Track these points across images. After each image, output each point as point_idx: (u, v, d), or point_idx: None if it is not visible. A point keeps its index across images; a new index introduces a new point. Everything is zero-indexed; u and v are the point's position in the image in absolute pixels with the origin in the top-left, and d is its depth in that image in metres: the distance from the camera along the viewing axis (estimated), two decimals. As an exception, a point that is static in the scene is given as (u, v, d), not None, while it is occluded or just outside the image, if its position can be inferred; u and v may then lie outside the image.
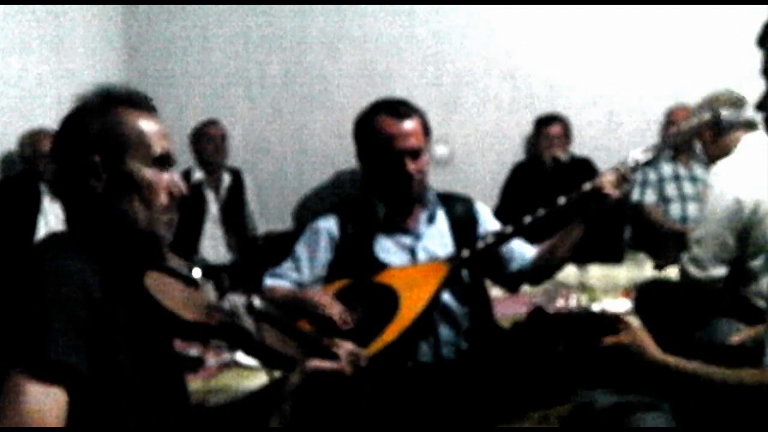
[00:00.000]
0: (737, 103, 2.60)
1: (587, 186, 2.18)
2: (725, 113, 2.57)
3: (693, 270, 2.47)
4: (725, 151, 2.54)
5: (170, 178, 1.33)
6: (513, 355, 2.13)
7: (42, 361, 1.08)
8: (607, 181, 2.15)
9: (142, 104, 1.35)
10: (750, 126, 2.56)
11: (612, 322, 1.43)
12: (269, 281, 2.28)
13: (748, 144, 2.51)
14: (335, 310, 2.09)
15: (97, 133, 1.29)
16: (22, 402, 1.06)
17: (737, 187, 2.41)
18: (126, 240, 1.29)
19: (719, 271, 2.45)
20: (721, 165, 2.51)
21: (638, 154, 2.23)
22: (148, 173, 1.30)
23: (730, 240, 2.42)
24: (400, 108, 2.21)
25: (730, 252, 2.44)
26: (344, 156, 5.15)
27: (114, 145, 1.29)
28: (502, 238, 2.22)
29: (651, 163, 2.41)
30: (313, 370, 1.37)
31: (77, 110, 1.34)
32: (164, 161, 1.33)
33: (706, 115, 2.56)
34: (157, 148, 1.32)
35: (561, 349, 1.57)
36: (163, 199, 1.31)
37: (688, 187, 4.32)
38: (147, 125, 1.32)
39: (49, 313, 1.11)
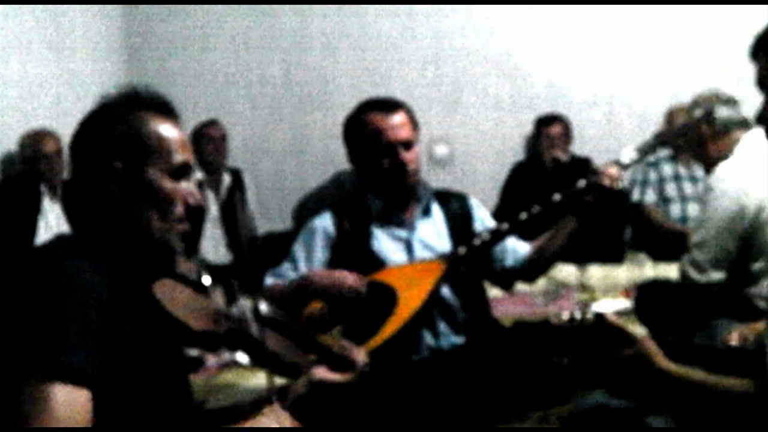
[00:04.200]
0: (730, 101, 2.59)
1: (582, 183, 2.21)
2: (722, 112, 2.55)
3: (693, 273, 2.47)
4: (725, 153, 2.52)
5: (187, 188, 1.32)
6: (514, 356, 2.13)
7: (60, 366, 1.07)
8: (608, 173, 2.18)
9: (167, 110, 1.34)
10: (746, 125, 2.54)
11: (618, 333, 1.42)
12: (269, 280, 2.28)
13: (747, 144, 2.50)
14: (343, 274, 2.12)
15: (120, 137, 1.28)
16: (50, 408, 1.05)
17: (739, 191, 2.39)
18: (138, 247, 1.29)
19: (719, 274, 2.45)
20: (722, 167, 2.50)
21: (631, 152, 2.27)
22: (167, 183, 1.29)
23: (732, 244, 2.41)
24: (386, 103, 2.27)
25: (730, 256, 2.44)
26: (344, 156, 5.13)
27: (136, 152, 1.28)
28: (498, 235, 2.24)
29: (642, 160, 2.40)
30: (318, 380, 1.36)
31: (101, 110, 1.33)
32: (183, 171, 1.32)
33: (698, 112, 2.56)
34: (178, 157, 1.31)
35: (565, 362, 1.57)
36: (179, 209, 1.31)
37: (688, 187, 4.31)
38: (170, 133, 1.31)
39: (63, 316, 1.10)
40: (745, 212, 2.38)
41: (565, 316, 1.42)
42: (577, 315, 1.41)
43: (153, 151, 1.29)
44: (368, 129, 2.22)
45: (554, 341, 1.45)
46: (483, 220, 2.37)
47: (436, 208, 2.34)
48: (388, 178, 2.22)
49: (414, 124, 2.26)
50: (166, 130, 1.31)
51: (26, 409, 1.06)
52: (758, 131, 2.47)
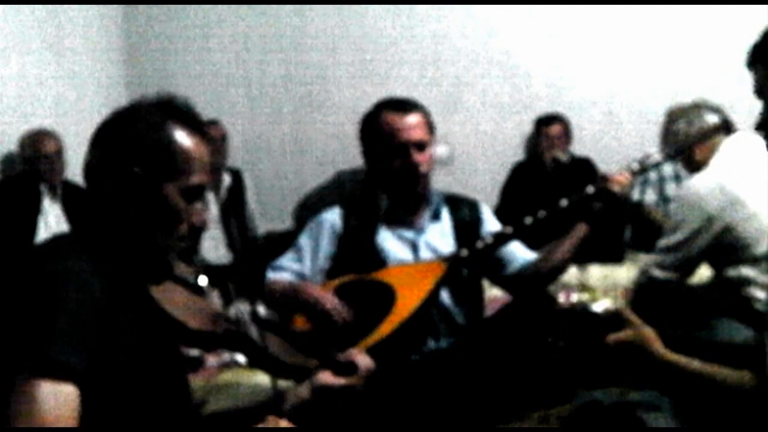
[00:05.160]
0: (716, 108, 2.69)
1: (590, 188, 2.19)
2: (708, 119, 2.65)
3: (657, 273, 2.58)
4: (707, 156, 2.59)
5: (196, 209, 1.32)
6: (508, 340, 2.12)
7: (47, 362, 1.08)
8: (618, 180, 2.18)
9: (197, 126, 1.33)
10: (729, 130, 2.62)
11: (616, 317, 1.42)
12: (271, 274, 2.28)
13: (723, 151, 2.56)
14: (332, 305, 2.10)
15: (147, 145, 1.26)
16: (36, 403, 1.06)
17: (706, 201, 2.47)
18: (137, 253, 1.29)
19: (680, 275, 2.59)
20: (694, 177, 2.60)
21: (650, 159, 2.31)
22: (180, 203, 1.28)
23: (697, 251, 2.51)
24: (403, 103, 2.27)
25: (695, 261, 2.56)
26: (344, 156, 5.16)
27: (159, 164, 1.26)
28: (501, 238, 2.22)
29: (657, 166, 2.50)
30: (322, 385, 1.36)
31: (134, 111, 1.31)
32: (198, 193, 1.32)
33: (714, 119, 2.64)
34: (196, 179, 1.30)
35: (562, 345, 1.57)
36: (184, 228, 1.30)
37: (688, 187, 4.31)
38: (197, 153, 1.30)
39: (53, 314, 1.10)
40: (711, 221, 2.46)
41: (562, 298, 1.42)
42: (574, 299, 1.42)
43: (176, 166, 1.28)
44: (383, 128, 2.21)
45: (552, 323, 1.46)
46: (491, 227, 2.35)
47: (445, 214, 2.33)
48: (399, 178, 2.22)
49: (429, 126, 2.25)
50: (194, 148, 1.30)
51: (13, 405, 1.07)
52: (737, 137, 2.57)
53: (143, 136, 1.26)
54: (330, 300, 2.13)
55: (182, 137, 1.29)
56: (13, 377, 1.08)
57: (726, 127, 2.62)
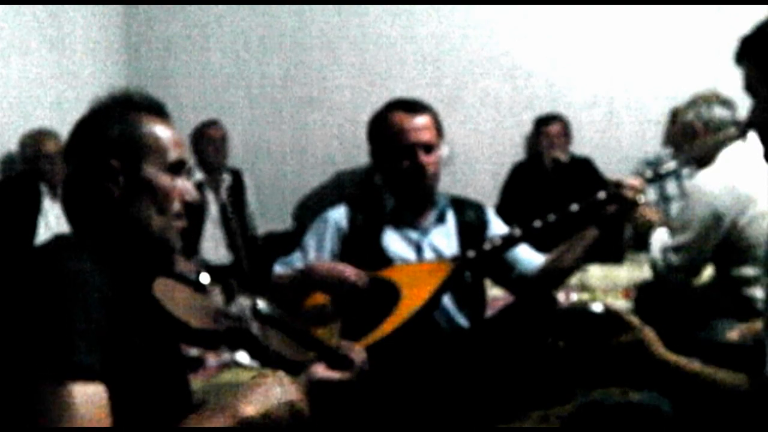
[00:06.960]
0: (727, 102, 2.64)
1: (602, 194, 2.17)
2: (717, 112, 2.61)
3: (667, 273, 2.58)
4: (714, 151, 2.57)
5: (183, 184, 1.35)
6: (508, 340, 2.11)
7: (74, 365, 1.08)
8: (631, 185, 2.15)
9: (159, 111, 1.37)
10: (744, 134, 2.60)
11: (617, 319, 1.42)
12: (278, 268, 2.28)
13: (733, 148, 2.54)
14: (347, 269, 2.11)
15: (116, 137, 1.30)
16: (73, 406, 1.06)
17: (714, 199, 2.46)
18: (138, 245, 1.30)
19: (691, 274, 2.59)
20: (701, 175, 2.57)
21: (662, 167, 2.29)
22: (164, 179, 1.31)
23: (707, 249, 2.50)
24: (412, 104, 2.26)
25: (705, 260, 2.56)
26: (344, 156, 5.17)
27: (133, 151, 1.30)
28: (510, 241, 2.20)
29: (672, 174, 2.48)
30: (317, 379, 1.36)
31: (95, 114, 1.35)
32: (178, 168, 1.34)
33: (722, 112, 2.61)
34: (173, 154, 1.33)
35: (562, 346, 1.57)
36: (176, 205, 1.33)
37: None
38: (164, 132, 1.34)
39: (70, 315, 1.10)
40: (720, 220, 2.44)
41: (561, 297, 1.42)
42: (574, 299, 1.42)
43: (149, 149, 1.31)
44: (391, 128, 2.21)
45: (552, 324, 1.46)
46: (498, 230, 2.33)
47: (450, 216, 2.33)
48: (406, 179, 2.22)
49: (438, 129, 2.25)
50: (160, 129, 1.34)
51: (48, 412, 1.06)
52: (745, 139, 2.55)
53: (111, 133, 1.31)
54: (343, 266, 2.14)
55: (148, 122, 1.33)
56: (33, 383, 1.07)
57: (743, 132, 2.57)
